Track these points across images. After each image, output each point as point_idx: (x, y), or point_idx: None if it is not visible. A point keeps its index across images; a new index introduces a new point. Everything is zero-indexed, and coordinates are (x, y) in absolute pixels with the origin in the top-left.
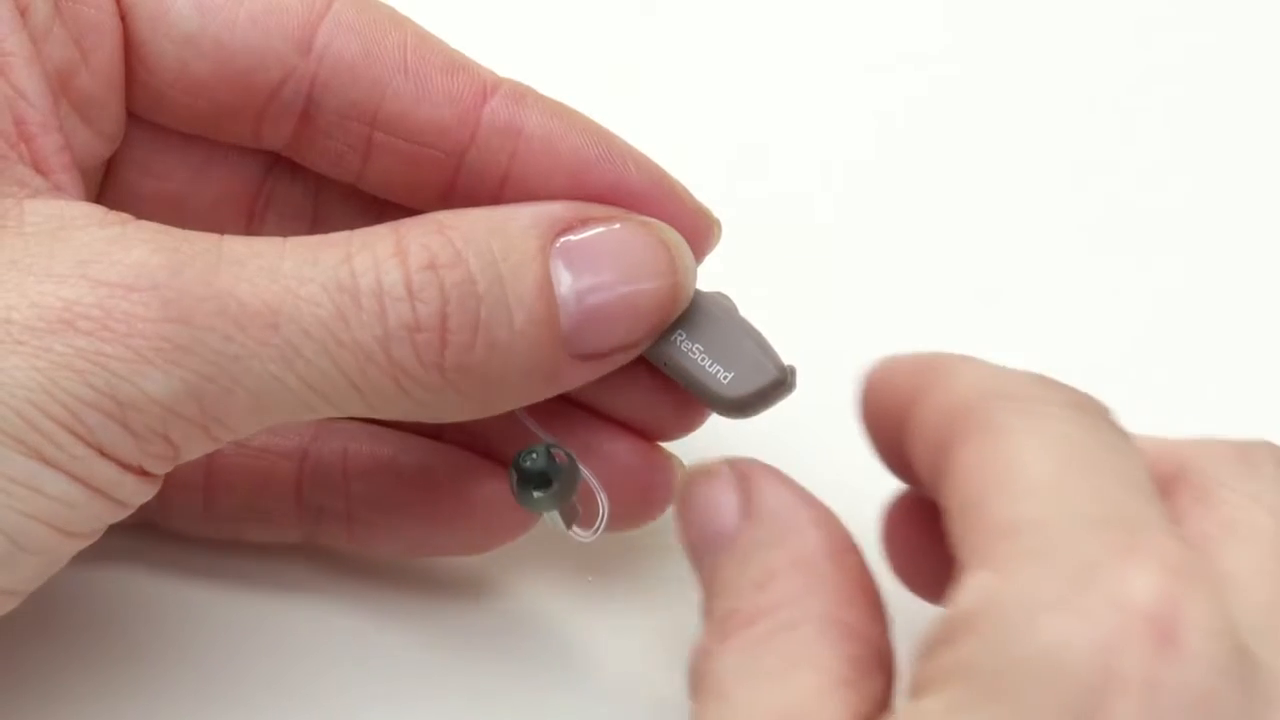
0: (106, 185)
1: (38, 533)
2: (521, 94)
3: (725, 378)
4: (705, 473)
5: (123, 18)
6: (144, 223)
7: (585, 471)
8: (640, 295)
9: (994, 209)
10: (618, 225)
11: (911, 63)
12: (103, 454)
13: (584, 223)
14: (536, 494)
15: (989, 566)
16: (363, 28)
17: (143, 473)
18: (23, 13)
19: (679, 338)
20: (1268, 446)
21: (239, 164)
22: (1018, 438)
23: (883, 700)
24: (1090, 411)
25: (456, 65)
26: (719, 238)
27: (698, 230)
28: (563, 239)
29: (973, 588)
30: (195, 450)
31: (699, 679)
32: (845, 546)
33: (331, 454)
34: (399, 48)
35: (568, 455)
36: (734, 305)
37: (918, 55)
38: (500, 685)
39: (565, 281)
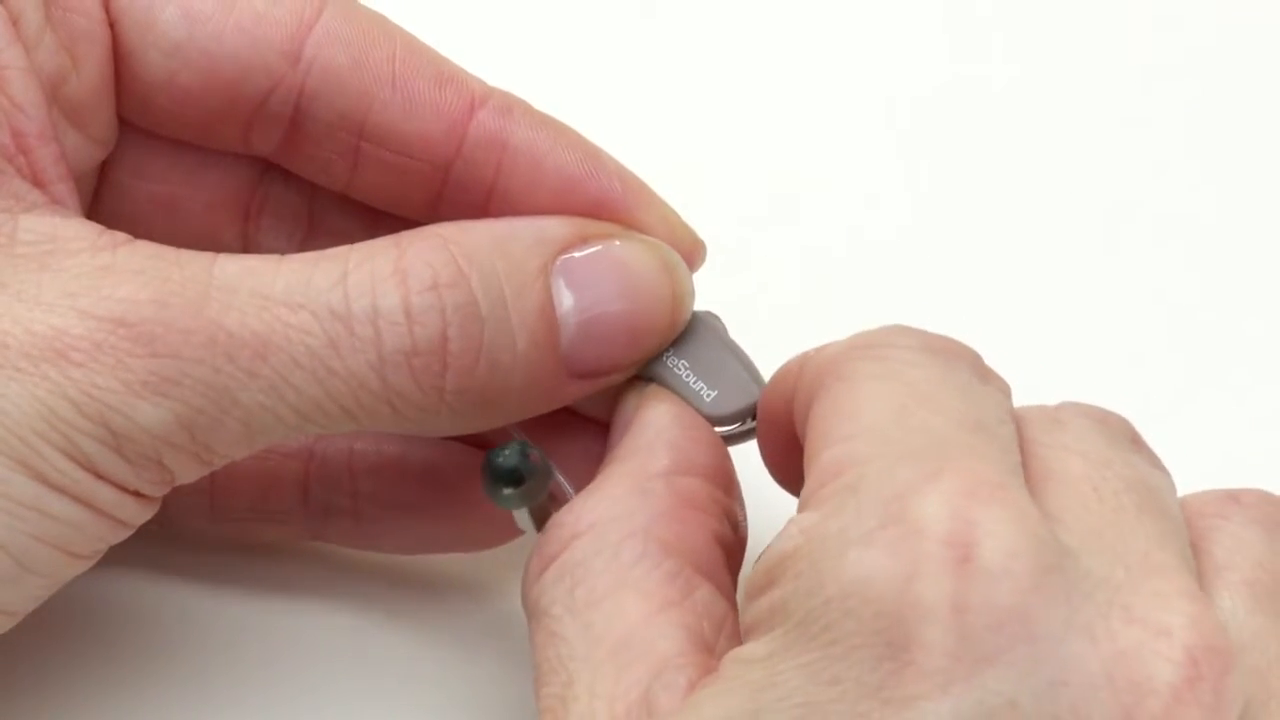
0: (101, 188)
1: (43, 554)
2: (509, 107)
3: (708, 396)
4: (628, 385)
5: (111, 26)
6: (137, 245)
7: (558, 474)
8: (639, 316)
9: (1002, 222)
10: (617, 243)
11: (915, 67)
12: (101, 478)
13: (584, 240)
14: (506, 491)
15: (813, 507)
16: (351, 39)
17: (140, 495)
18: (14, 22)
19: (666, 354)
20: (1072, 405)
21: (232, 168)
22: (860, 384)
23: (719, 613)
24: (944, 354)
25: (445, 77)
26: (703, 260)
27: (682, 252)
28: (563, 257)
29: (794, 529)
30: (190, 475)
31: (530, 607)
32: (687, 470)
33: (338, 452)
34: (387, 60)
35: (541, 456)
36: (722, 324)
37: (920, 59)
38: (500, 685)
39: (566, 301)
